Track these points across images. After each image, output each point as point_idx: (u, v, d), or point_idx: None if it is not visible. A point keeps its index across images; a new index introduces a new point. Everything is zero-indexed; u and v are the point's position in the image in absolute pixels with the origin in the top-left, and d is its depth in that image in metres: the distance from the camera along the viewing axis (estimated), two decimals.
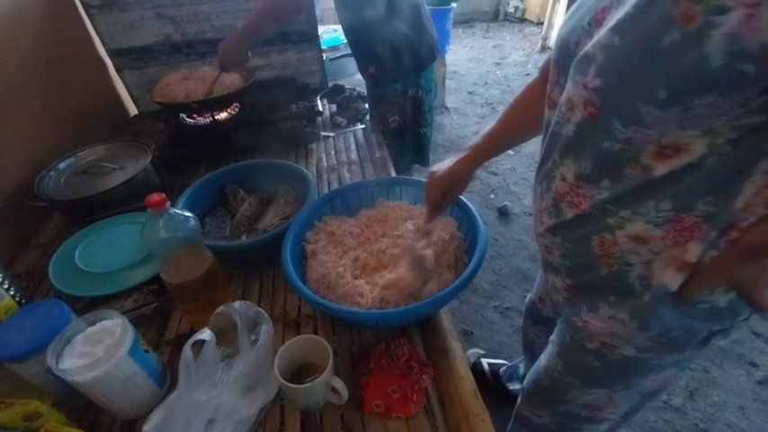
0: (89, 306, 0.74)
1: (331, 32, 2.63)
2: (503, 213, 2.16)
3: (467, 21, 4.92)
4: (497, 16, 4.98)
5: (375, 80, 1.32)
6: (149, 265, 0.79)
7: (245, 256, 0.84)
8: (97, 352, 0.53)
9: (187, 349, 0.52)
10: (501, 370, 1.37)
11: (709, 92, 0.36)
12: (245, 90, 1.23)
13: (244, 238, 0.86)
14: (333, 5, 1.23)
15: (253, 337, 0.58)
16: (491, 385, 1.37)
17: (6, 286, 0.67)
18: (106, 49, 1.40)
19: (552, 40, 3.59)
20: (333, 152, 1.21)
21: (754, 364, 1.42)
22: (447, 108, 3.18)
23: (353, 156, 1.18)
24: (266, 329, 0.58)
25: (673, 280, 0.49)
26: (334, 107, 1.42)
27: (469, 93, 3.40)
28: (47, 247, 0.95)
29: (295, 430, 0.58)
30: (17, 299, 0.68)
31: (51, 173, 1.01)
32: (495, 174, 2.46)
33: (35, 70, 1.12)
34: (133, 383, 0.56)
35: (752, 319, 0.58)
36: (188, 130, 1.24)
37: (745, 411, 1.31)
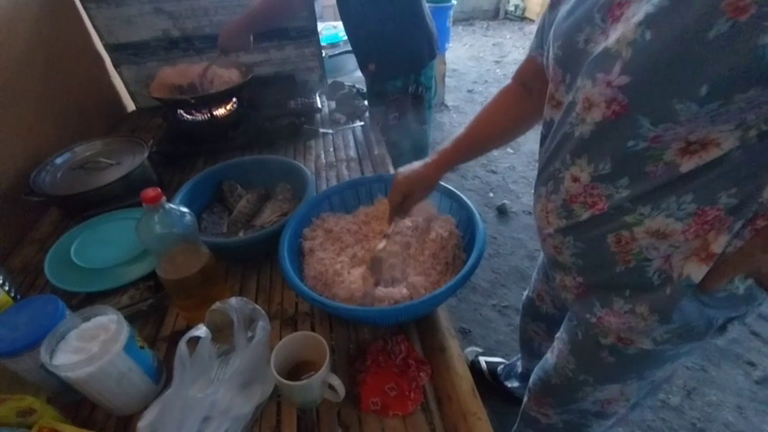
0: (85, 302, 0.74)
1: (330, 29, 2.62)
2: (501, 212, 2.16)
3: (467, 19, 4.91)
4: (497, 14, 4.97)
5: (375, 77, 1.31)
6: (146, 261, 0.79)
7: (243, 253, 0.83)
8: (92, 348, 0.53)
9: (182, 345, 0.52)
10: (499, 368, 1.37)
11: (755, 85, 0.35)
12: (243, 86, 1.22)
13: (241, 234, 0.85)
14: (333, 2, 1.22)
15: (249, 334, 0.57)
16: (489, 383, 1.37)
17: (1, 281, 0.67)
18: (104, 44, 1.39)
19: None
20: (331, 149, 1.20)
21: (751, 364, 1.42)
22: (446, 106, 3.17)
23: (352, 153, 1.18)
24: (263, 326, 0.57)
25: (697, 272, 0.49)
26: (333, 104, 1.41)
27: (469, 91, 3.39)
28: (43, 243, 0.94)
29: (291, 428, 0.57)
30: (12, 294, 0.68)
31: (48, 168, 1.00)
32: (494, 172, 2.46)
33: (32, 65, 1.11)
34: (128, 380, 0.56)
35: (751, 319, 0.58)
36: (186, 126, 1.23)
37: (742, 411, 1.31)
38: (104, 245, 0.83)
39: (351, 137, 1.25)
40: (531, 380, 0.88)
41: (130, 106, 1.55)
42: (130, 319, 0.59)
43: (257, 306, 0.59)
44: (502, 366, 1.37)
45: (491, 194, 2.30)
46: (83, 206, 0.93)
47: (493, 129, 0.73)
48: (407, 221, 0.77)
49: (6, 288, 0.67)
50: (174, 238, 0.62)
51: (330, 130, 1.28)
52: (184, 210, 0.63)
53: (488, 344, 1.56)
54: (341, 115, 1.33)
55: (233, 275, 0.81)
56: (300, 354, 0.59)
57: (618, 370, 0.66)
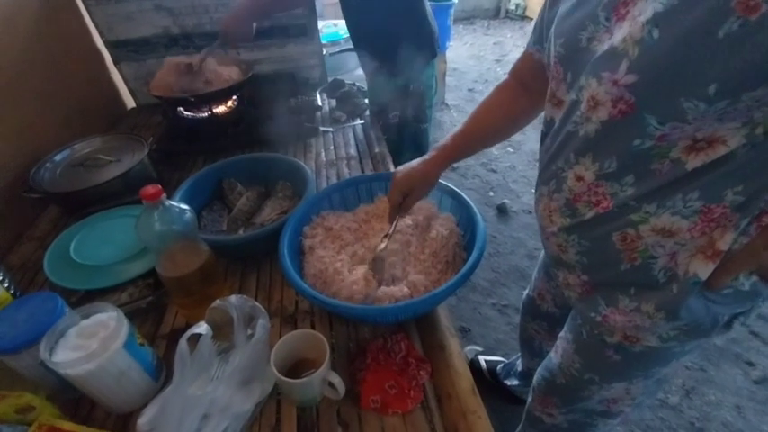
0: (84, 299, 0.73)
1: (331, 27, 2.61)
2: (501, 211, 2.16)
3: (467, 17, 4.90)
4: (498, 13, 4.96)
5: (376, 75, 1.31)
6: (145, 259, 0.79)
7: (243, 251, 0.83)
8: (91, 345, 0.53)
9: (183, 343, 0.52)
10: (498, 367, 1.37)
11: (763, 83, 0.35)
12: (243, 84, 1.21)
13: (241, 232, 0.85)
14: (334, 0, 1.22)
15: (249, 332, 0.57)
16: (488, 382, 1.37)
17: (1, 278, 0.67)
18: (103, 41, 1.38)
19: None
20: (332, 147, 1.20)
21: (750, 364, 1.43)
22: (447, 105, 3.17)
23: (352, 151, 1.17)
24: (263, 324, 0.57)
25: (703, 269, 0.49)
26: (333, 102, 1.41)
27: (469, 90, 3.38)
28: (42, 240, 0.94)
29: (291, 425, 0.57)
30: (11, 291, 0.68)
31: (47, 165, 1.00)
32: (495, 171, 2.46)
33: (32, 61, 1.11)
34: (128, 377, 0.56)
35: (750, 319, 0.58)
36: (186, 124, 1.23)
37: (741, 410, 1.31)
38: (104, 242, 0.83)
39: (351, 135, 1.25)
40: (534, 379, 0.87)
41: (130, 103, 1.55)
42: (130, 316, 0.59)
43: (257, 303, 0.59)
44: (501, 365, 1.37)
45: (491, 193, 2.30)
46: (82, 203, 0.93)
47: (490, 125, 0.73)
48: (408, 220, 0.77)
49: (6, 285, 0.67)
50: (173, 236, 0.61)
51: (330, 129, 1.27)
52: (184, 207, 0.63)
53: (488, 343, 1.56)
54: (341, 113, 1.33)
55: (233, 273, 0.81)
56: (300, 352, 0.59)
57: (624, 368, 0.66)
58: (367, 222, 0.80)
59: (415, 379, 0.60)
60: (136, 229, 0.59)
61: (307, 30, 1.44)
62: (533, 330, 1.06)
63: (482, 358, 1.42)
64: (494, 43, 4.25)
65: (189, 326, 0.55)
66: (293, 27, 1.42)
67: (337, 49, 2.38)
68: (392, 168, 1.09)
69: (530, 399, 0.91)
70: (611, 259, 0.55)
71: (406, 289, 0.66)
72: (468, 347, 1.50)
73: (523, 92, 0.72)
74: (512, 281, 1.80)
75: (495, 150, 2.61)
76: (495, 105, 0.73)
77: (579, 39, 0.48)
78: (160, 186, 0.58)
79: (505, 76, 0.75)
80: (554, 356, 0.79)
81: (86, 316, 0.57)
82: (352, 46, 1.38)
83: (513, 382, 1.31)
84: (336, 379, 0.56)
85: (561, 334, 0.77)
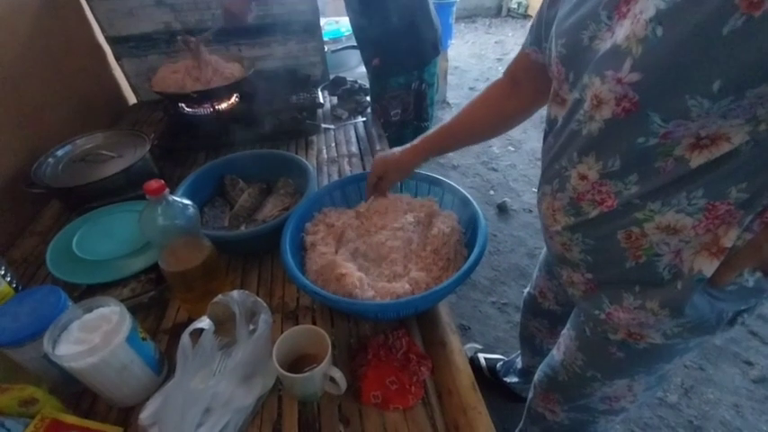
0: (86, 294, 0.74)
1: (333, 24, 2.61)
2: (502, 210, 2.16)
3: (469, 16, 4.89)
4: (500, 12, 4.95)
5: (379, 72, 1.31)
6: (147, 254, 0.79)
7: (244, 247, 0.83)
8: (94, 339, 0.53)
9: (185, 337, 0.52)
10: (498, 365, 1.37)
11: (767, 80, 0.36)
12: (245, 80, 1.21)
13: (243, 228, 0.85)
14: None
15: (251, 327, 0.58)
16: (488, 380, 1.37)
17: (3, 272, 0.67)
18: (105, 37, 1.38)
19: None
20: (333, 144, 1.20)
21: (749, 363, 1.43)
22: (448, 103, 3.16)
23: (354, 148, 1.17)
24: (264, 319, 0.57)
25: (708, 266, 0.49)
26: (335, 99, 1.41)
27: (471, 89, 3.38)
28: (44, 235, 0.94)
29: (292, 420, 0.58)
30: (14, 285, 0.68)
31: (49, 160, 1.00)
32: (495, 170, 2.46)
33: (33, 57, 1.11)
34: (130, 371, 0.56)
35: (749, 319, 0.58)
36: (187, 120, 1.23)
37: (739, 409, 1.32)
38: (106, 237, 0.83)
39: (353, 132, 1.25)
40: (536, 376, 0.88)
41: (132, 99, 1.55)
42: (132, 311, 0.59)
43: (259, 299, 0.59)
44: (501, 363, 1.37)
45: (492, 192, 2.30)
46: (84, 198, 0.93)
47: (476, 123, 0.75)
48: (410, 217, 0.77)
49: (8, 279, 0.67)
50: (176, 231, 0.62)
51: (332, 126, 1.27)
52: (187, 202, 0.63)
53: (487, 341, 1.57)
54: (343, 111, 1.33)
55: (234, 269, 0.81)
56: (302, 347, 0.59)
57: (627, 365, 0.66)
58: (369, 219, 0.80)
59: (415, 375, 0.60)
60: (139, 223, 0.60)
61: (309, 27, 1.44)
62: (534, 328, 1.06)
63: (482, 356, 1.42)
64: (495, 42, 4.25)
65: (191, 321, 0.55)
66: (295, 24, 1.42)
67: (339, 47, 2.38)
68: None
69: (531, 395, 0.91)
70: (615, 257, 0.55)
71: (407, 285, 0.66)
72: (468, 345, 1.50)
73: (514, 91, 0.72)
74: (512, 279, 1.80)
75: (495, 149, 2.61)
76: (485, 104, 0.75)
77: (581, 38, 0.48)
78: (163, 181, 0.58)
79: None
80: (556, 353, 0.79)
81: (89, 310, 0.57)
82: (353, 43, 1.38)
83: (512, 379, 1.32)
84: (338, 374, 0.56)
85: (564, 331, 0.77)
